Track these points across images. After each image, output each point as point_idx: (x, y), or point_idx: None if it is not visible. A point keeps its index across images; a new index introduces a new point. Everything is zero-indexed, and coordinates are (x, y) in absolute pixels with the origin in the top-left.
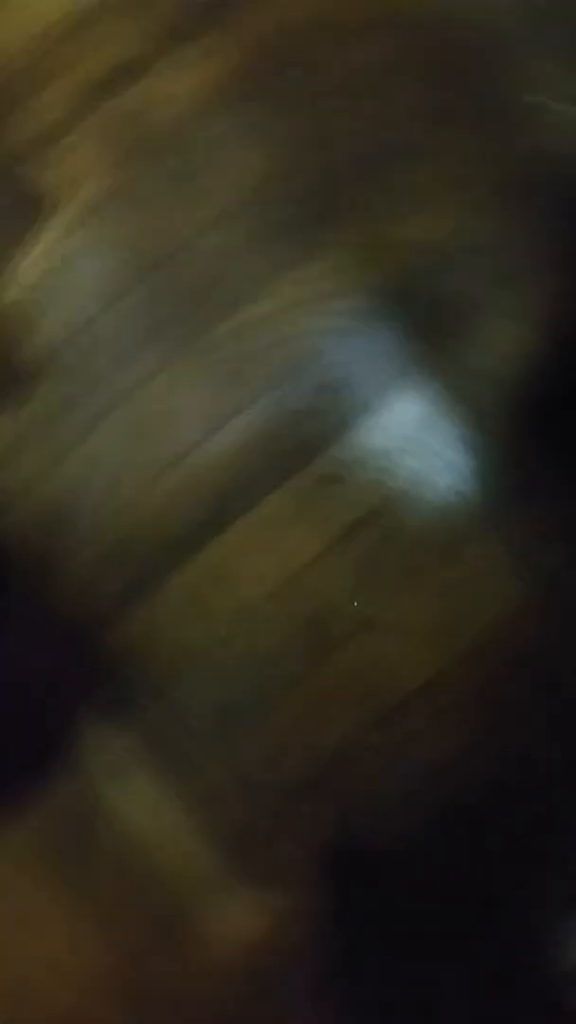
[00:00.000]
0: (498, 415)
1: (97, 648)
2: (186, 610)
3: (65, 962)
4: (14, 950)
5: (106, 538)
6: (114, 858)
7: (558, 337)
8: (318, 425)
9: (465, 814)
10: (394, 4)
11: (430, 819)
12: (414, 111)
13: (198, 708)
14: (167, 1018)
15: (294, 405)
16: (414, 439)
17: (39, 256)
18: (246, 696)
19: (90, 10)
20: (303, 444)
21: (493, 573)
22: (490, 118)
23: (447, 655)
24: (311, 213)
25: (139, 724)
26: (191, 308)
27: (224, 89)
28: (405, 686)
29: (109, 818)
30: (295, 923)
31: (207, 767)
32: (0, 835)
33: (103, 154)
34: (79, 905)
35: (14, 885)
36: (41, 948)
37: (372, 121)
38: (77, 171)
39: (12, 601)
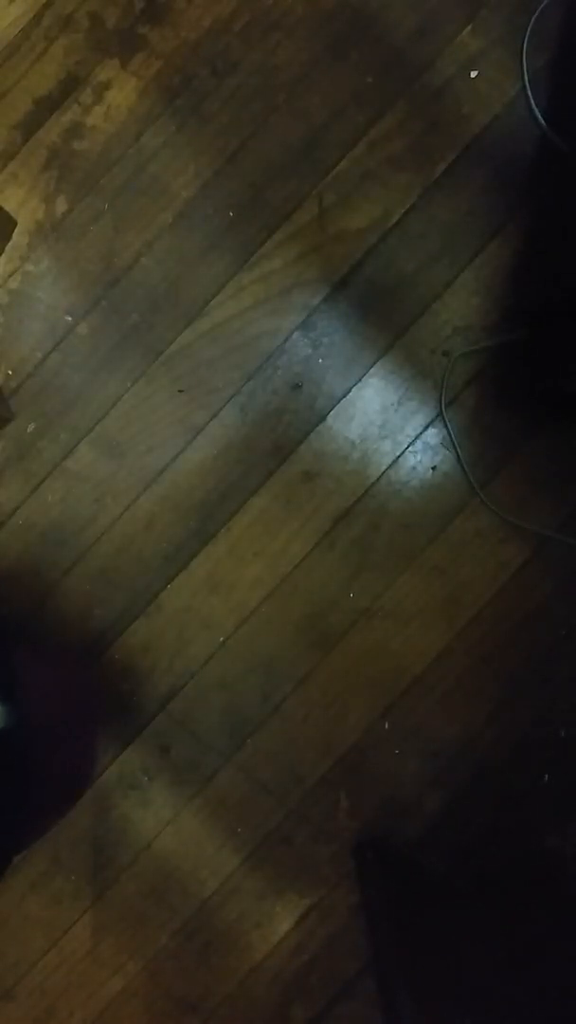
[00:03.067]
0: (466, 388)
1: (101, 664)
2: (184, 620)
3: (87, 973)
4: (36, 963)
5: (98, 560)
6: (132, 869)
7: (518, 306)
8: (292, 422)
9: (494, 780)
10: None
11: (456, 795)
12: (340, 100)
13: (205, 715)
14: None
15: (265, 405)
16: (387, 423)
17: None
18: (252, 699)
19: (7, 48)
20: (279, 443)
21: (485, 541)
22: (413, 96)
23: (450, 631)
24: (259, 211)
25: (148, 735)
26: (156, 319)
27: (149, 104)
28: (411, 670)
29: (124, 829)
30: (323, 920)
31: (219, 772)
32: (18, 852)
33: (43, 182)
34: (99, 917)
35: (33, 900)
36: (62, 961)
37: (301, 115)
38: (19, 201)
39: (16, 626)
